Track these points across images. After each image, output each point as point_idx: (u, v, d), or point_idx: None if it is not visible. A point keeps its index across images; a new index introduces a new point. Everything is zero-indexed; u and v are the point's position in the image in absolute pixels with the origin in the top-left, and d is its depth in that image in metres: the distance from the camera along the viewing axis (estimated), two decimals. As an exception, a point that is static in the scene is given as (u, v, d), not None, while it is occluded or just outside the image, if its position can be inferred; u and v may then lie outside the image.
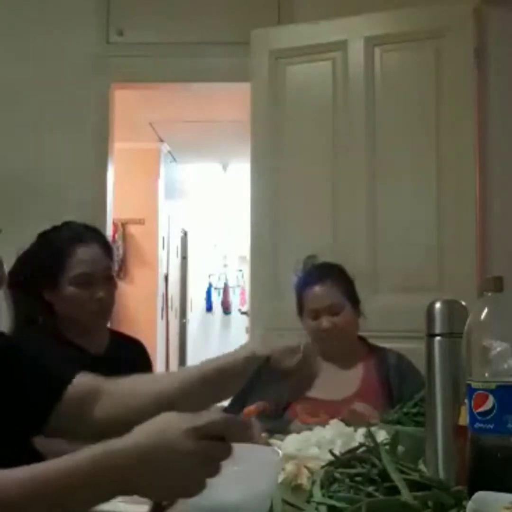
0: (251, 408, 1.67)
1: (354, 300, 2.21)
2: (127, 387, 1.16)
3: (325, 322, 2.15)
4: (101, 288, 1.78)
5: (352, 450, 1.11)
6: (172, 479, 0.78)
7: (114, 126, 3.55)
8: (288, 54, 3.19)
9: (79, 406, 1.11)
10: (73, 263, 1.76)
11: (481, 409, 1.02)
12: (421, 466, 1.18)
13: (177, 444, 0.77)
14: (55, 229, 1.85)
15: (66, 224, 1.86)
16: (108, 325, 1.97)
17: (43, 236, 1.79)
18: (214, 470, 0.80)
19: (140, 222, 6.11)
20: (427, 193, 2.99)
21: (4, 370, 1.09)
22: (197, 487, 0.79)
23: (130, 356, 1.93)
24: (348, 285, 2.22)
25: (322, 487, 1.01)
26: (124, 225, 6.03)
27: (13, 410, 1.05)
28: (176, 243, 7.27)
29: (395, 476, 0.99)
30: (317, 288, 2.19)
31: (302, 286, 2.24)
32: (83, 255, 1.77)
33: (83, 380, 1.15)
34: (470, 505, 0.92)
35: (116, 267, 1.90)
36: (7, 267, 1.18)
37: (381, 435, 1.41)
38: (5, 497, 0.74)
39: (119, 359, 1.84)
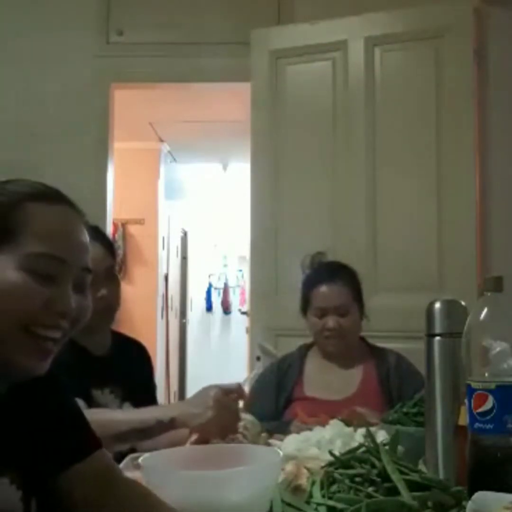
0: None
1: (360, 303, 2.21)
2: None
3: (331, 321, 2.15)
4: (103, 286, 1.78)
5: (352, 451, 1.11)
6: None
7: (114, 126, 3.55)
8: (288, 54, 3.19)
9: (94, 480, 1.03)
10: None
11: (481, 409, 1.02)
12: (421, 466, 1.18)
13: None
14: None
15: None
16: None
17: None
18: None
19: (140, 222, 6.10)
20: (427, 192, 2.99)
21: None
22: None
23: (132, 357, 1.93)
24: (357, 287, 2.22)
25: (321, 488, 1.01)
26: (124, 225, 6.03)
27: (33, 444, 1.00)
28: (176, 243, 7.26)
29: (395, 476, 0.99)
30: (328, 286, 2.18)
31: (311, 283, 2.22)
32: None
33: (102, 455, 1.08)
34: (470, 505, 0.92)
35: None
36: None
37: (381, 435, 1.41)
38: None
39: (121, 361, 1.84)
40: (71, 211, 0.98)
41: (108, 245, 1.84)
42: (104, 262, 1.80)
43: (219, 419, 1.52)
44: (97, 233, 1.86)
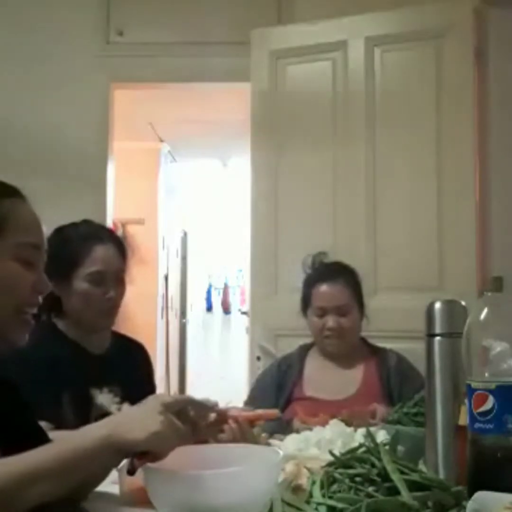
0: (261, 413, 1.62)
1: (361, 303, 2.22)
2: None
3: (331, 321, 2.15)
4: (112, 287, 1.79)
5: (352, 450, 1.11)
6: (143, 416, 1.00)
7: (114, 126, 3.55)
8: (288, 54, 3.19)
9: None
10: (90, 260, 1.77)
11: (481, 409, 1.02)
12: (421, 466, 1.18)
13: (148, 402, 1.04)
14: (73, 225, 1.85)
15: (84, 222, 1.87)
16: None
17: (60, 231, 1.80)
18: (171, 422, 0.99)
19: (140, 222, 6.09)
20: (427, 193, 2.99)
21: None
22: (159, 426, 0.98)
23: (132, 357, 1.93)
24: (357, 287, 2.23)
25: (322, 488, 1.01)
26: (124, 225, 6.02)
27: None
28: (176, 243, 7.25)
29: (395, 476, 0.98)
30: (329, 286, 2.19)
31: (312, 282, 2.23)
32: (101, 253, 1.78)
33: None
34: (470, 505, 0.92)
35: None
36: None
37: (381, 435, 1.41)
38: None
39: (121, 360, 1.84)
40: (27, 202, 1.13)
41: (121, 248, 1.85)
42: (115, 265, 1.81)
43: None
44: (111, 235, 1.87)
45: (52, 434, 1.46)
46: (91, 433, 0.98)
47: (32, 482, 0.90)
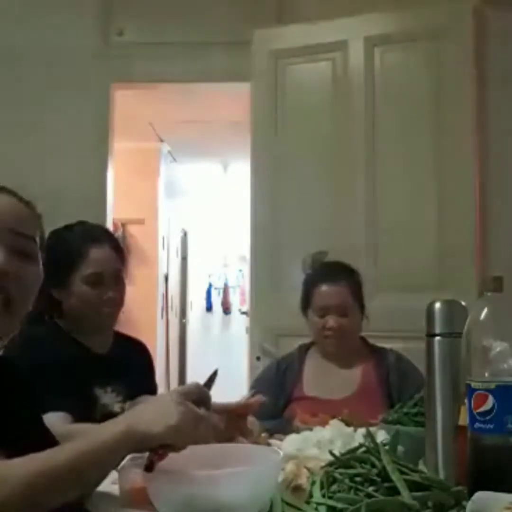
0: (251, 400, 1.65)
1: (361, 303, 2.22)
2: None
3: (332, 321, 2.15)
4: (111, 288, 1.79)
5: (352, 450, 1.11)
6: (160, 410, 1.00)
7: (114, 126, 3.55)
8: (288, 54, 3.19)
9: None
10: (86, 262, 1.77)
11: (481, 409, 1.02)
12: (421, 466, 1.18)
13: (164, 395, 1.07)
14: (67, 227, 1.85)
15: (80, 223, 1.87)
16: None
17: (56, 234, 1.80)
18: (191, 412, 1.00)
19: (140, 222, 6.10)
20: (427, 193, 2.99)
21: None
22: (178, 418, 0.98)
23: (133, 356, 1.93)
24: (358, 287, 2.23)
25: (322, 488, 1.01)
26: (124, 225, 6.02)
27: None
28: (176, 243, 7.26)
29: (395, 476, 0.99)
30: (330, 286, 2.18)
31: (313, 282, 2.22)
32: (96, 255, 1.78)
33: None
34: (470, 505, 0.92)
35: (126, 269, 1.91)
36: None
37: (381, 435, 1.41)
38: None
39: (123, 360, 1.84)
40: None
41: (117, 248, 1.85)
42: (112, 265, 1.81)
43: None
44: (107, 236, 1.87)
45: (73, 427, 1.46)
46: (109, 429, 0.98)
47: (57, 482, 0.90)
